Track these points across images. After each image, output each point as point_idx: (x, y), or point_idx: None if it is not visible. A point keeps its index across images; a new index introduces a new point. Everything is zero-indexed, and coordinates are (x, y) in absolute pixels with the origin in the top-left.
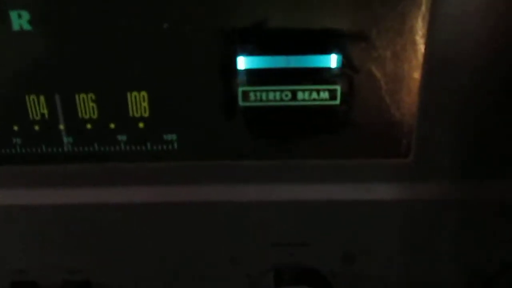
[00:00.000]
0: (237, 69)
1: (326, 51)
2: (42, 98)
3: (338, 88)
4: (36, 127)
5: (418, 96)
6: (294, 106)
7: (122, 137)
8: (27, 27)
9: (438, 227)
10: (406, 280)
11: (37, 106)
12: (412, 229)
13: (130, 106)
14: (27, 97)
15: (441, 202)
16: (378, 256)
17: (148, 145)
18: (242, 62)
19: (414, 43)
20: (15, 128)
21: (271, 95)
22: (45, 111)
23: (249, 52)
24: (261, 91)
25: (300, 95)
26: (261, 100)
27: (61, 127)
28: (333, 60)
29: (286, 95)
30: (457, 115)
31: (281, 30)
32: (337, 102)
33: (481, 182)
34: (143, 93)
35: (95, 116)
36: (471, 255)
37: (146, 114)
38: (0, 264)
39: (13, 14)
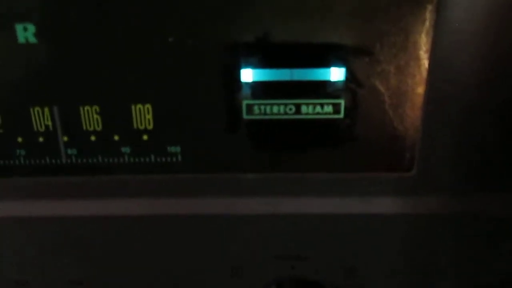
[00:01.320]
0: (242, 82)
1: (330, 64)
2: (46, 109)
3: (342, 102)
4: (40, 139)
5: (421, 110)
6: (298, 119)
7: (126, 149)
8: (32, 40)
9: (441, 241)
10: None
11: (41, 117)
12: (415, 242)
13: (134, 118)
14: (31, 109)
15: (444, 216)
16: (380, 270)
17: (152, 157)
18: (247, 75)
19: (418, 58)
20: (19, 139)
21: (275, 109)
22: (49, 123)
23: (253, 65)
24: (265, 104)
25: (304, 109)
26: (265, 113)
27: (65, 139)
28: (337, 74)
29: (290, 109)
30: (460, 129)
31: (285, 43)
32: (341, 116)
33: (484, 196)
34: (148, 106)
35: (99, 128)
36: (474, 269)
37: (150, 127)
38: (1, 276)
39: (19, 27)
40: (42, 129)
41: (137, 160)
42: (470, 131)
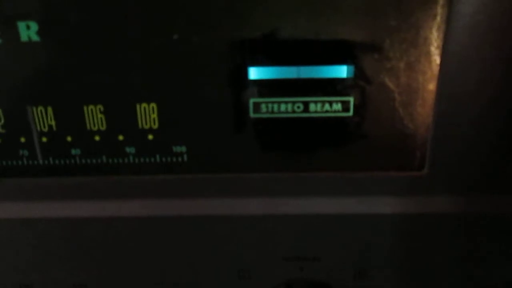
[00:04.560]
0: (248, 80)
1: (339, 62)
2: (49, 109)
3: (351, 99)
4: (44, 139)
5: (432, 108)
6: (306, 117)
7: (130, 149)
8: (35, 38)
9: (452, 242)
10: None
11: (44, 117)
12: (426, 243)
13: (139, 117)
14: (34, 108)
15: (455, 216)
16: (390, 271)
17: (157, 157)
18: (253, 73)
19: (429, 54)
20: (22, 140)
21: (282, 107)
22: (53, 123)
23: (260, 63)
24: (273, 102)
25: (312, 107)
26: (272, 112)
27: (69, 139)
28: (346, 71)
29: (298, 107)
30: (472, 128)
31: (293, 40)
32: (350, 113)
33: (497, 196)
34: (153, 105)
35: (103, 128)
36: (485, 270)
37: (155, 126)
38: (4, 278)
39: (21, 25)
40: (45, 129)
41: (142, 160)
42: (482, 130)
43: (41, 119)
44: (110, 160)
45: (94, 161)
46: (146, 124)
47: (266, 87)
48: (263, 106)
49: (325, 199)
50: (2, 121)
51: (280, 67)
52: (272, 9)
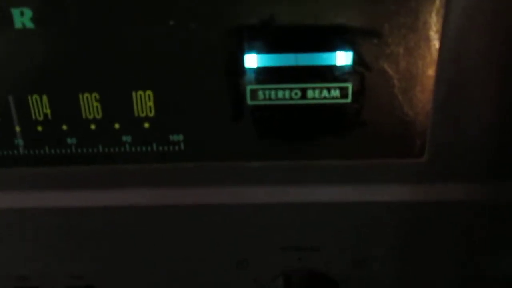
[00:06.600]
0: (245, 67)
1: (337, 48)
2: (44, 97)
3: (349, 86)
4: (39, 128)
5: (432, 94)
6: (304, 104)
7: (127, 138)
8: (29, 25)
9: (453, 230)
10: (420, 284)
11: (39, 106)
12: (427, 231)
13: (135, 105)
14: (29, 97)
15: (456, 204)
16: (390, 260)
17: (154, 146)
18: (250, 60)
19: (428, 38)
20: (17, 129)
21: (280, 94)
22: (48, 111)
23: (257, 50)
24: (270, 89)
25: (310, 93)
26: (270, 99)
27: (65, 127)
28: (344, 58)
29: (296, 94)
30: (473, 113)
31: (290, 27)
32: (349, 100)
33: (498, 183)
34: (149, 92)
35: (99, 116)
36: (487, 259)
37: (152, 114)
38: (2, 270)
39: (15, 12)
40: (41, 117)
41: (138, 149)
42: (482, 115)
43: (36, 108)
44: (106, 149)
45: (90, 150)
46: (142, 112)
47: (264, 74)
48: (260, 93)
49: (324, 187)
50: None
51: (278, 54)
52: None
